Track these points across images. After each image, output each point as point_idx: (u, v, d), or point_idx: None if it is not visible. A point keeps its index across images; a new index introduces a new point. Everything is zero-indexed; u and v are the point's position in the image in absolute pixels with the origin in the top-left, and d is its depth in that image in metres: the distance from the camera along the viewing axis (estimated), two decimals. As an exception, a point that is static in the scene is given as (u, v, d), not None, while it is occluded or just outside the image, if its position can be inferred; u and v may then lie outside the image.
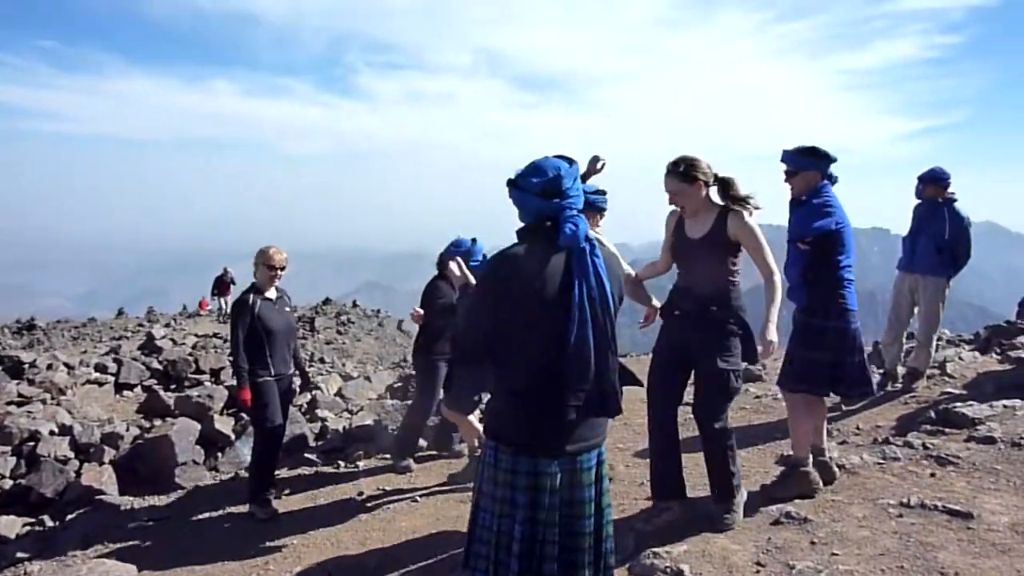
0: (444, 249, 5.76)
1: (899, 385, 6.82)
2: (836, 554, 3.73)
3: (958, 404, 5.70)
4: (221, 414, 6.87)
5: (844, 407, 6.51)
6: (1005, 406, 5.55)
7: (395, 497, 5.58)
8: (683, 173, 4.00)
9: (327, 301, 33.37)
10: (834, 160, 4.52)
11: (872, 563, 3.61)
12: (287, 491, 5.87)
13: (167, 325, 21.37)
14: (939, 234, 6.61)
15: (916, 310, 6.95)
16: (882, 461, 4.99)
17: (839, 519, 4.14)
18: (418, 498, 5.48)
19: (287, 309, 5.61)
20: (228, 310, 25.62)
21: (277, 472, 5.88)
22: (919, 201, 6.88)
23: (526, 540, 2.59)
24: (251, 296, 5.34)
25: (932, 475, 4.68)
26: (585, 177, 4.73)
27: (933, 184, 6.72)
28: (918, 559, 3.62)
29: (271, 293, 5.48)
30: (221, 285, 26.23)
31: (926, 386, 6.80)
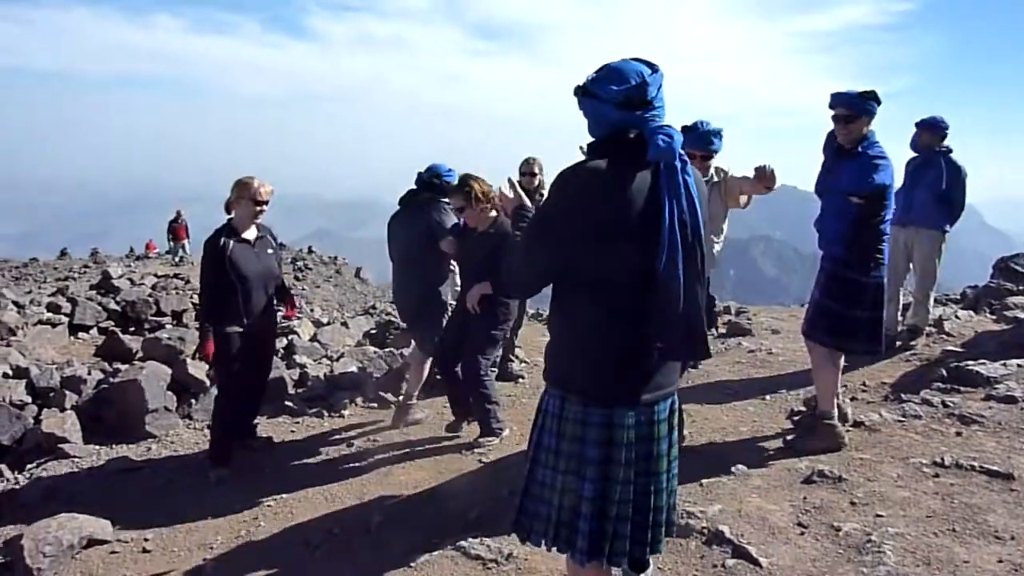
0: (424, 172, 5.33)
1: (898, 342, 6.71)
2: (881, 515, 3.54)
3: (970, 363, 5.57)
4: (193, 358, 6.39)
5: (845, 362, 6.38)
6: (1020, 365, 5.43)
7: (388, 448, 5.25)
8: None
9: (281, 246, 32.49)
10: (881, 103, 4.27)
11: (921, 525, 3.42)
12: (270, 437, 5.46)
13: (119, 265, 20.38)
14: (936, 184, 6.46)
15: (911, 266, 6.85)
16: (902, 419, 4.84)
17: (874, 478, 3.96)
18: (414, 450, 5.15)
19: (269, 251, 5.02)
20: (184, 254, 24.69)
21: (257, 421, 5.46)
22: (914, 154, 6.69)
23: (597, 499, 2.28)
24: (223, 238, 4.76)
25: (958, 434, 4.53)
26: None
27: (929, 131, 6.55)
28: (968, 522, 3.44)
29: (250, 233, 4.89)
30: (176, 229, 25.21)
31: (925, 344, 6.70)
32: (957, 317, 7.42)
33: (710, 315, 4.91)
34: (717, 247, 4.46)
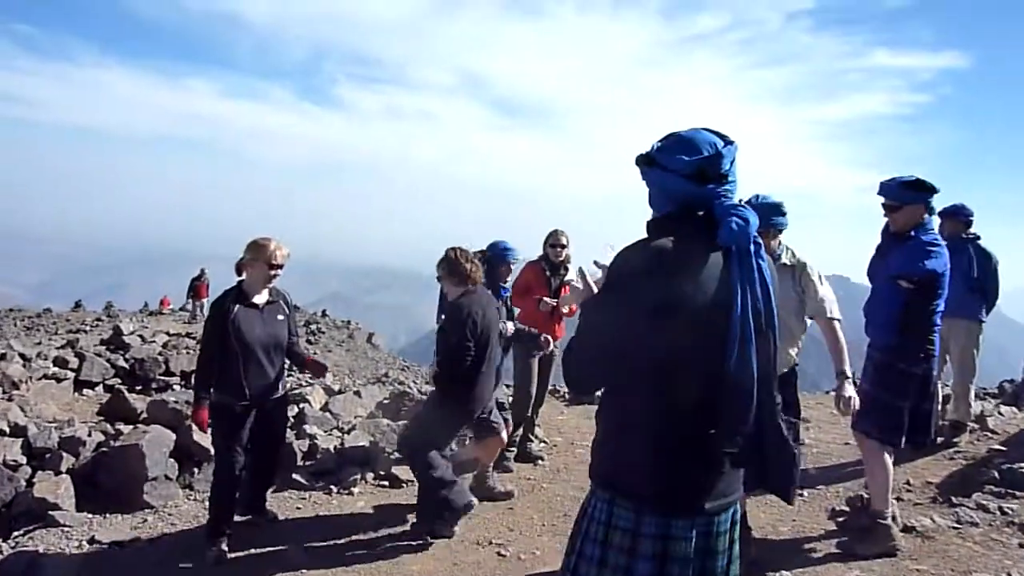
0: (486, 249, 5.30)
1: (940, 438, 6.35)
2: (947, 641, 3.17)
3: (1023, 466, 5.20)
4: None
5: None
6: (1080, 470, 5.06)
7: (400, 532, 4.90)
8: None
9: (296, 308, 32.34)
10: (937, 192, 4.10)
11: (997, 656, 3.05)
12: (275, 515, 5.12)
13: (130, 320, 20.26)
14: (967, 273, 6.24)
15: (947, 358, 6.58)
16: (957, 525, 4.47)
17: (935, 595, 3.59)
18: (428, 538, 4.77)
19: (279, 317, 4.68)
20: (200, 313, 24.60)
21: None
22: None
23: None
24: (228, 303, 4.46)
25: (1022, 546, 4.16)
26: None
27: (952, 219, 6.38)
28: (1048, 653, 3.07)
29: (260, 297, 4.58)
30: (197, 287, 25.15)
31: (969, 440, 6.35)
32: (1000, 413, 7.07)
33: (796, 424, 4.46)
34: (793, 351, 4.17)
